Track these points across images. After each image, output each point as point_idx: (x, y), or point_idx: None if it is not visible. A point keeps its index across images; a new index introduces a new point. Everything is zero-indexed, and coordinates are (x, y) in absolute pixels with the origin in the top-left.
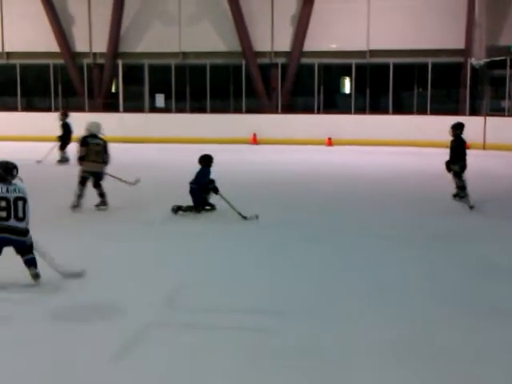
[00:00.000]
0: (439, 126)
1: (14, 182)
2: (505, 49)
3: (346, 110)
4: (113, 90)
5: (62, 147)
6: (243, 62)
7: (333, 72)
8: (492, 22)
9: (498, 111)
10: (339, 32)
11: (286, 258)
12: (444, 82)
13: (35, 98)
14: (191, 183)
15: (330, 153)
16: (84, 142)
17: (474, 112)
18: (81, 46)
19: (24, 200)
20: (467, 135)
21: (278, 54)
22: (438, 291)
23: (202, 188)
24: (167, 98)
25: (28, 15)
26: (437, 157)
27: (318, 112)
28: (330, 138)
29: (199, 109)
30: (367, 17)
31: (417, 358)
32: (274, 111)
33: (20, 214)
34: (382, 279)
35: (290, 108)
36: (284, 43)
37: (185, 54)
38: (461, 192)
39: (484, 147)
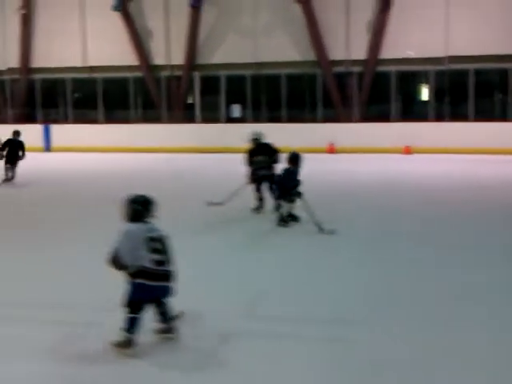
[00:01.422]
0: None
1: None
2: None
3: (423, 118)
4: (190, 100)
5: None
6: (318, 72)
7: (410, 79)
8: None
9: None
10: (416, 39)
11: (370, 268)
12: None
13: (115, 110)
14: (275, 182)
15: (409, 161)
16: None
17: None
18: (159, 59)
19: (167, 239)
20: None
21: (353, 62)
22: None
23: (285, 190)
24: (243, 108)
25: (109, 30)
26: None
27: (395, 120)
28: (408, 147)
29: (275, 118)
30: (445, 22)
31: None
32: (350, 120)
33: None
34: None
35: (366, 117)
36: (360, 51)
37: (260, 65)
38: None
39: None
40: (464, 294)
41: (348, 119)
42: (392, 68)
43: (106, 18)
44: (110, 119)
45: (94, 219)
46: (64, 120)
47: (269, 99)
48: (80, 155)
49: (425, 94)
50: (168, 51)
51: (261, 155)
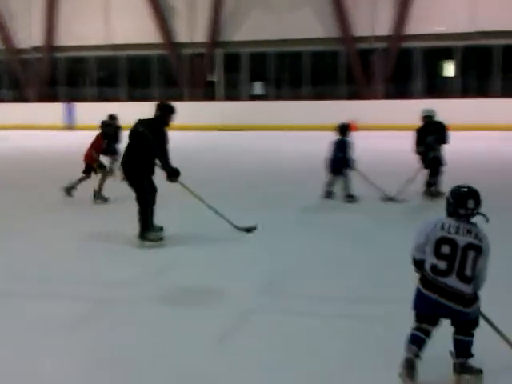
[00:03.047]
0: None
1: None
2: None
3: (449, 94)
4: (212, 78)
5: None
6: (342, 48)
7: (435, 55)
8: None
9: None
10: (442, 13)
11: (388, 247)
12: None
13: (137, 88)
14: (330, 158)
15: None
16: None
17: None
18: (181, 36)
19: (479, 251)
20: None
21: (377, 38)
22: None
23: (341, 160)
24: (265, 86)
25: (131, 8)
26: None
27: (419, 97)
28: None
29: (297, 96)
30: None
31: None
32: (374, 97)
33: (468, 272)
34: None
35: (390, 93)
36: (384, 27)
37: (283, 42)
38: None
39: None
40: None
41: (372, 96)
42: (417, 44)
43: None
44: (132, 97)
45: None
46: (86, 98)
47: (291, 76)
48: None
49: (450, 70)
50: (191, 28)
51: (432, 134)
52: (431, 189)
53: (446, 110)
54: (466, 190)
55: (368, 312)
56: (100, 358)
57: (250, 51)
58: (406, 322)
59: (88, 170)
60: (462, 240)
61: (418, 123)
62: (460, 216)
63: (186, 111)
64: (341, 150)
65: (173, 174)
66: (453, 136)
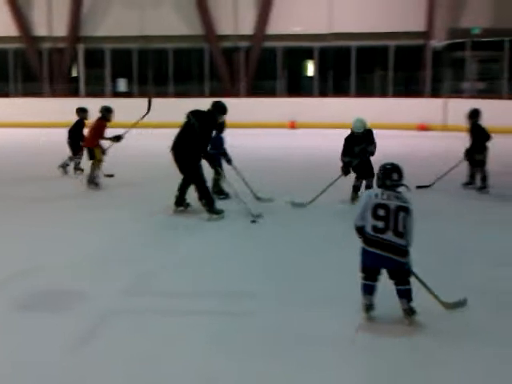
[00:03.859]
0: (401, 107)
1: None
2: (465, 31)
3: (309, 93)
4: (74, 74)
5: None
6: (206, 46)
7: (296, 55)
8: (453, 4)
9: (458, 93)
10: (302, 15)
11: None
12: (406, 65)
13: None
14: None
15: (294, 136)
16: None
17: (435, 94)
18: (40, 30)
19: (407, 212)
20: (428, 117)
21: (241, 37)
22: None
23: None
24: (129, 83)
25: None
26: (398, 139)
27: (282, 95)
28: (293, 122)
29: (161, 93)
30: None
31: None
32: (238, 95)
33: (400, 229)
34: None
35: (253, 91)
36: (247, 26)
37: (147, 38)
38: (482, 183)
39: (445, 129)
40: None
41: (235, 94)
42: (278, 44)
43: None
44: None
45: None
46: None
47: (156, 74)
48: None
49: (310, 70)
50: (50, 22)
51: (359, 145)
52: (358, 193)
53: (306, 109)
54: (390, 166)
55: (232, 307)
56: None
57: (113, 47)
58: (268, 316)
59: (91, 156)
60: (393, 204)
61: (282, 121)
62: (387, 187)
63: (46, 107)
64: (213, 147)
65: (212, 161)
66: (309, 133)
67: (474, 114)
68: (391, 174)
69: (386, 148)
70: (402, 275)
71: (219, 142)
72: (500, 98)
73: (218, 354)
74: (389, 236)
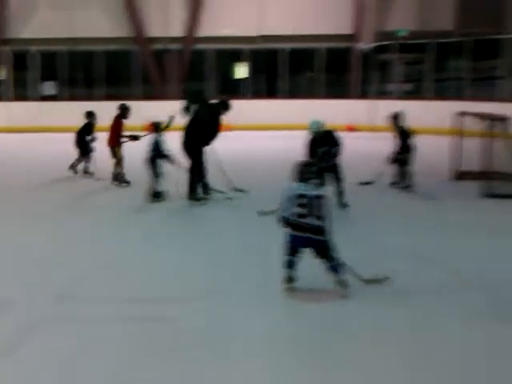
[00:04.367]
0: (329, 109)
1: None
2: (391, 33)
3: (241, 95)
4: (1, 77)
5: None
6: (136, 48)
7: (226, 57)
8: (379, 7)
9: (385, 94)
10: (232, 18)
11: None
12: (334, 67)
13: None
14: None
15: (229, 138)
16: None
17: (363, 95)
18: None
19: (322, 199)
20: (356, 118)
21: (172, 39)
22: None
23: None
24: (57, 86)
25: None
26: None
27: (214, 97)
28: (228, 124)
29: (91, 96)
30: (259, 2)
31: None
32: (169, 97)
33: (319, 213)
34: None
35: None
36: (178, 29)
37: (75, 40)
38: (406, 181)
39: (372, 129)
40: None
41: (166, 96)
42: (209, 46)
43: None
44: None
45: None
46: None
47: (85, 76)
48: None
49: (241, 72)
50: None
51: (322, 146)
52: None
53: (238, 110)
54: (306, 162)
55: (153, 312)
56: None
57: (40, 49)
58: (192, 321)
59: (114, 155)
60: (311, 193)
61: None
62: (305, 180)
63: None
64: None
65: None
66: (244, 135)
67: (396, 117)
68: (308, 169)
69: None
70: (323, 252)
71: (158, 143)
72: (423, 98)
73: (144, 358)
74: (309, 220)
